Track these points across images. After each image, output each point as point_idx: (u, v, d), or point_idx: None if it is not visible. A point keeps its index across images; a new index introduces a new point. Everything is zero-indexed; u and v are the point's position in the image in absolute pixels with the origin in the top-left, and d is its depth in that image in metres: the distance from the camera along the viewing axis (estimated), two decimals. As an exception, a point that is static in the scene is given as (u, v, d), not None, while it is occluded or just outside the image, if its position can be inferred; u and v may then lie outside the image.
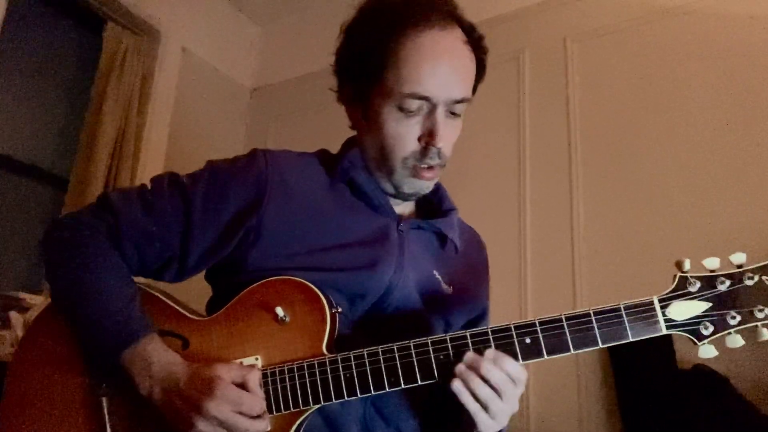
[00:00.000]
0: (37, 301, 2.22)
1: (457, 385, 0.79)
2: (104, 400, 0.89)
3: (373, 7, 0.97)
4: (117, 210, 0.93)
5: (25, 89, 2.84)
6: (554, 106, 2.45)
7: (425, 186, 0.99)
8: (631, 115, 2.28)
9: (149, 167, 2.81)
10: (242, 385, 0.82)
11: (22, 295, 2.30)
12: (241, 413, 0.81)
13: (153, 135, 2.89)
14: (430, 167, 0.96)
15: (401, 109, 0.92)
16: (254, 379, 0.83)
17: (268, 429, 0.83)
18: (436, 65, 0.91)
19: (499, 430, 0.86)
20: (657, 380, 1.94)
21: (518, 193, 2.43)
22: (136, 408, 0.87)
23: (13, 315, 2.03)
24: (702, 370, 1.84)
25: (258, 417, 0.82)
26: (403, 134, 0.93)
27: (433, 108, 0.93)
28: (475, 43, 0.97)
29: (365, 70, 0.95)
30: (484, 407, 0.80)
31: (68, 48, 3.02)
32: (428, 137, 0.93)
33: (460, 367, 0.79)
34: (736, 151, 2.05)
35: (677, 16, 2.28)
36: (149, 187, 0.97)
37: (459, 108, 0.95)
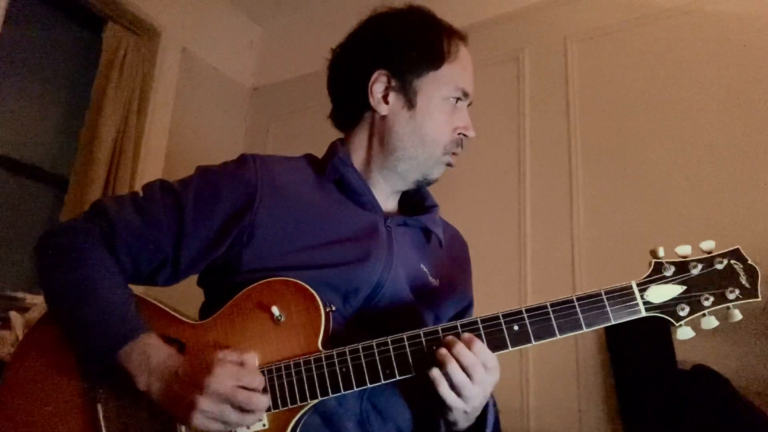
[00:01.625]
0: (37, 301, 2.22)
1: (435, 372, 0.82)
2: (99, 405, 0.89)
3: (413, 10, 1.09)
4: (110, 215, 0.95)
5: (25, 89, 2.85)
6: (554, 106, 2.45)
7: (442, 172, 1.10)
8: (631, 115, 2.28)
9: (149, 167, 2.82)
10: (240, 364, 0.84)
11: (22, 295, 2.31)
12: (242, 387, 0.82)
13: (153, 135, 2.89)
14: (454, 154, 1.07)
15: (449, 99, 1.04)
16: (251, 358, 0.85)
17: (270, 404, 0.84)
18: (471, 69, 1.09)
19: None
20: (657, 380, 1.94)
21: (518, 193, 2.43)
22: (132, 413, 0.88)
23: (13, 315, 2.03)
24: (702, 370, 1.84)
25: (259, 392, 0.83)
26: (447, 123, 1.05)
27: (463, 104, 1.07)
28: None
29: (422, 62, 1.04)
30: (459, 392, 0.82)
31: (68, 48, 3.02)
32: (464, 128, 1.06)
33: (441, 351, 0.82)
34: (737, 151, 2.05)
35: (677, 16, 2.28)
36: (141, 193, 0.99)
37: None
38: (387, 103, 1.05)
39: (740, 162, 2.03)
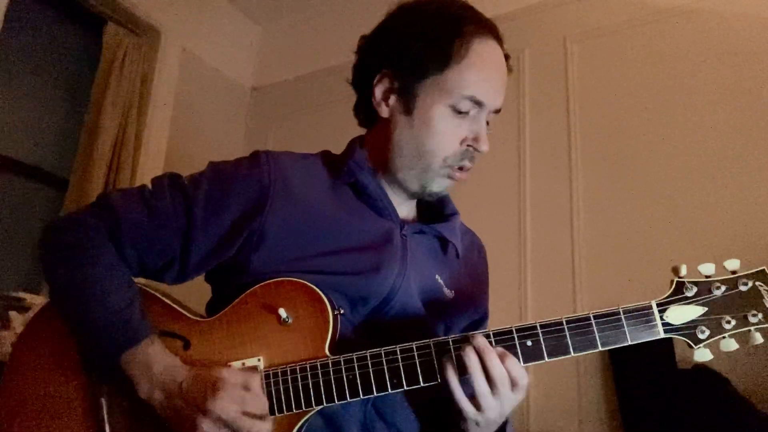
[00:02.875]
0: (37, 301, 2.22)
1: (454, 378, 0.80)
2: (103, 400, 0.89)
3: (436, 3, 0.98)
4: (117, 211, 0.92)
5: (26, 89, 2.85)
6: (554, 106, 2.45)
7: (450, 186, 1.01)
8: (631, 115, 2.28)
9: (149, 167, 2.81)
10: (245, 387, 0.82)
11: (22, 295, 2.30)
12: (245, 413, 0.81)
13: (153, 135, 2.89)
14: (462, 168, 0.98)
15: (454, 108, 0.94)
16: (256, 381, 0.83)
17: (272, 430, 0.83)
18: (493, 74, 0.96)
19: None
20: (657, 380, 1.94)
21: (518, 193, 2.43)
22: (136, 408, 0.87)
23: (13, 315, 2.03)
24: (702, 370, 1.84)
25: (261, 418, 0.82)
26: (451, 133, 0.95)
27: (479, 114, 0.96)
28: (508, 60, 1.01)
29: (424, 63, 0.94)
30: (476, 402, 0.80)
31: (68, 48, 3.02)
32: (473, 141, 0.95)
33: (471, 357, 0.79)
34: (737, 152, 2.05)
35: (677, 16, 2.28)
36: (150, 187, 0.96)
37: (492, 117, 0.99)
38: (387, 105, 0.98)
39: (741, 163, 2.03)
